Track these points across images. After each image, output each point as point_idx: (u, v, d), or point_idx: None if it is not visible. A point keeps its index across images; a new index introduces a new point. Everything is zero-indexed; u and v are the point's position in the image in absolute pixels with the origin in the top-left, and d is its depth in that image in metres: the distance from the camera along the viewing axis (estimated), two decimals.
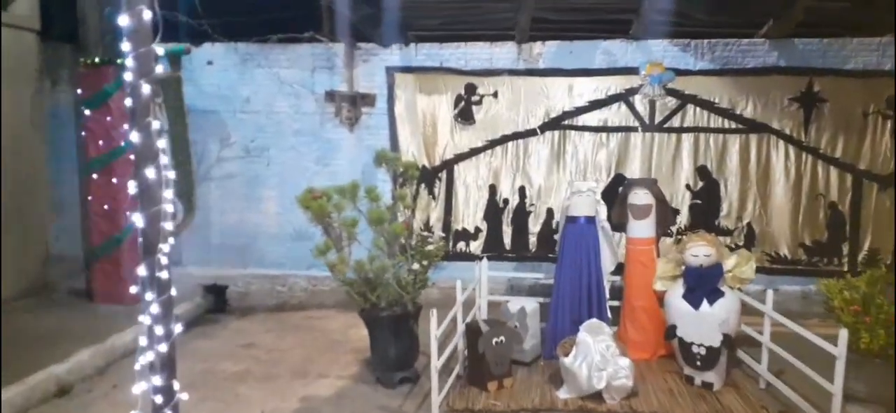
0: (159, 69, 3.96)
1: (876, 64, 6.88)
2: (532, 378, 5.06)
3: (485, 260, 5.91)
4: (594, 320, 4.88)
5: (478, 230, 7.40)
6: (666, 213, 5.98)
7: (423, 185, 7.29)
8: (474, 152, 7.36)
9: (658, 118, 7.11)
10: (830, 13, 6.59)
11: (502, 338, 4.79)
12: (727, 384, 4.92)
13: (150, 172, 3.38)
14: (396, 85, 7.37)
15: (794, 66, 6.96)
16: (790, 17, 6.62)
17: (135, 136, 3.40)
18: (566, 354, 4.68)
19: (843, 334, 3.98)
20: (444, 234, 7.20)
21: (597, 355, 4.57)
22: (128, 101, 3.49)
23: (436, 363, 4.30)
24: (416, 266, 5.02)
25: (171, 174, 3.56)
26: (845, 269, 6.91)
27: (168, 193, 3.42)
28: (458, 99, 7.37)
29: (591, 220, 5.73)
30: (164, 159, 3.48)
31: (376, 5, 6.64)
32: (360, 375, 5.26)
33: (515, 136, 7.33)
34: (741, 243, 7.00)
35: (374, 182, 6.67)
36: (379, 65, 7.41)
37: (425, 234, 5.75)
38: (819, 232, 7.01)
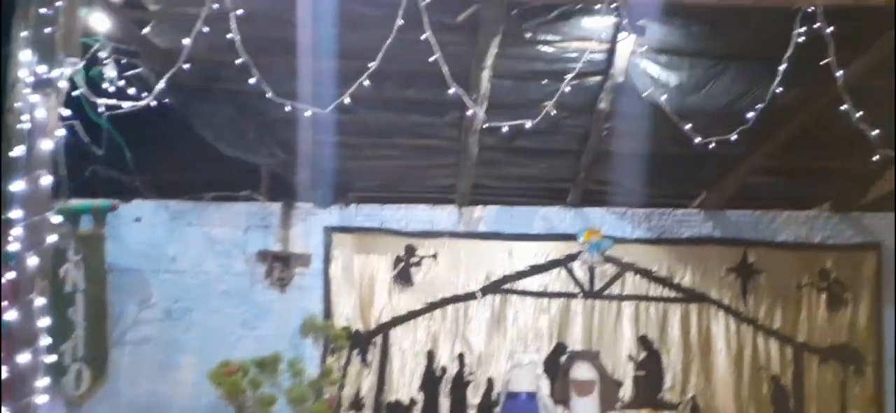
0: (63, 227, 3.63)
1: (805, 237, 7.05)
2: None
3: None
4: None
5: (413, 402, 6.92)
6: (610, 390, 5.75)
7: (356, 351, 6.88)
8: (413, 315, 7.07)
9: (598, 285, 7.03)
10: (761, 187, 6.82)
11: None
12: None
13: (23, 358, 2.98)
14: (334, 245, 7.15)
15: (728, 237, 7.07)
16: (723, 190, 6.82)
17: (12, 315, 3.03)
18: None
19: None
20: None
21: None
22: (11, 274, 3.16)
23: None
24: None
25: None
26: None
27: (44, 382, 3.01)
28: (398, 260, 7.17)
29: (532, 396, 5.47)
30: (47, 339, 3.11)
31: (317, 167, 6.56)
32: None
33: (455, 299, 7.09)
34: None
35: (304, 348, 6.31)
36: (317, 224, 7.22)
37: None
38: (764, 407, 6.80)
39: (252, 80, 3.76)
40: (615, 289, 7.03)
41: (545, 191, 7.17)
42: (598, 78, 4.94)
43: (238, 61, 3.66)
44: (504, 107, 5.06)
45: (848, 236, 7.00)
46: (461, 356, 7.00)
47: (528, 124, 4.34)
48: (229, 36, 3.56)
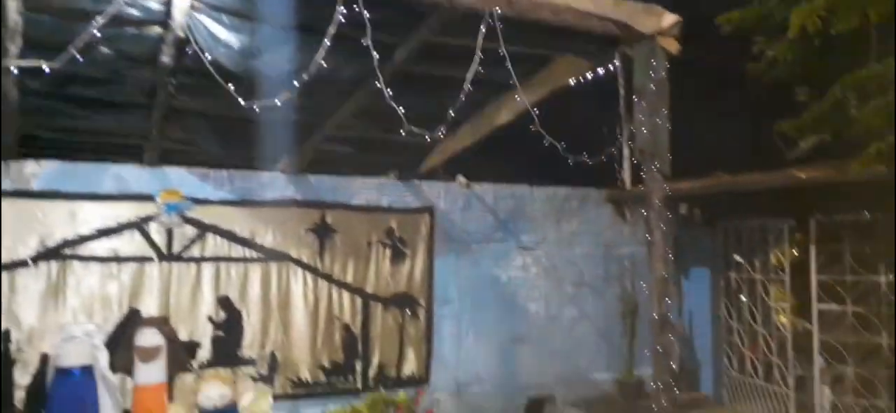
0: None
1: (376, 200, 7.84)
2: None
3: None
4: None
5: None
6: (178, 353, 5.59)
7: None
8: None
9: (177, 248, 6.76)
10: (337, 154, 7.36)
11: None
12: None
13: None
14: None
15: (309, 199, 7.47)
16: (303, 155, 7.15)
17: None
18: None
19: None
20: None
21: None
22: None
23: None
24: None
25: None
26: (360, 386, 7.49)
27: None
28: None
29: (88, 370, 4.99)
30: None
31: None
32: None
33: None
34: (265, 372, 7.00)
35: None
36: None
37: None
38: (336, 353, 7.46)
39: None
40: (195, 251, 6.85)
41: (117, 147, 6.54)
42: (158, 29, 4.64)
43: None
44: (46, 47, 4.41)
45: (409, 201, 8.03)
46: (7, 333, 6.03)
47: (45, 67, 3.85)
48: None
